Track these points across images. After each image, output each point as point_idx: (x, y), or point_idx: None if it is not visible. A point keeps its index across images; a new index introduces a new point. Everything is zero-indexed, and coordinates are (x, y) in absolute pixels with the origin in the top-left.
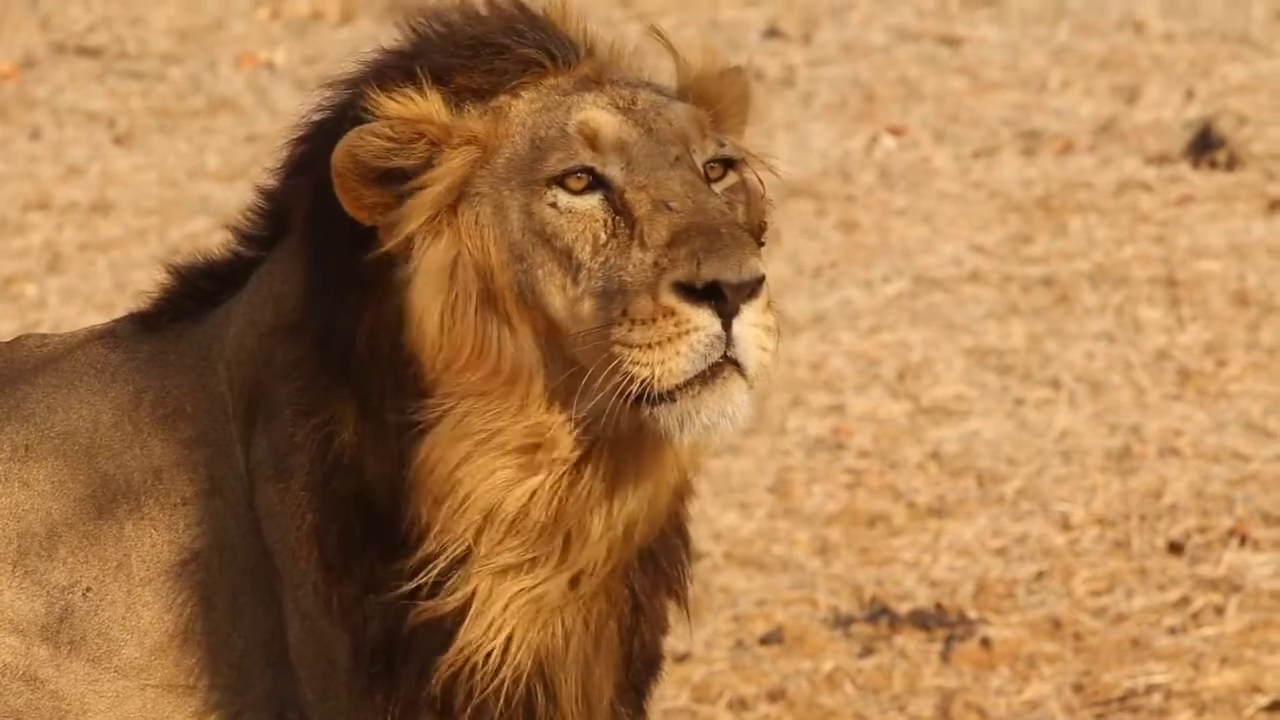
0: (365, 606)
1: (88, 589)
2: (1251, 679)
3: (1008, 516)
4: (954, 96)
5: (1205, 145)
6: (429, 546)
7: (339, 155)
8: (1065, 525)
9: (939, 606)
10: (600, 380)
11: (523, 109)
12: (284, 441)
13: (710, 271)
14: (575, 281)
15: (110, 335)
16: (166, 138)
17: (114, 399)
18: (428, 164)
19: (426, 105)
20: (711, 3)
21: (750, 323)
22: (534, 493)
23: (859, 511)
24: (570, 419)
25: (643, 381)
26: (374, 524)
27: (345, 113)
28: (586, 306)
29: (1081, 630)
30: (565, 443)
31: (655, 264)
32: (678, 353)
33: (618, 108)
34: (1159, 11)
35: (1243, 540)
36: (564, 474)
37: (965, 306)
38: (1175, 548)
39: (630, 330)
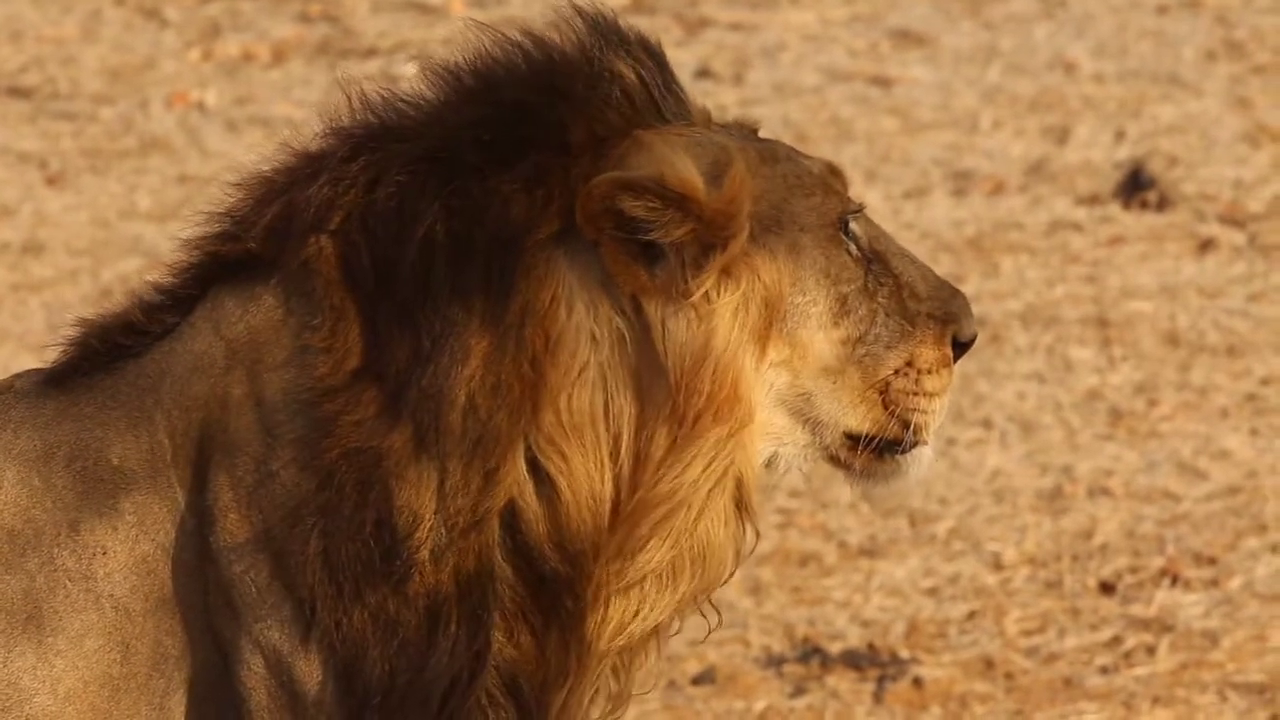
0: (368, 635)
1: None
2: (1183, 718)
3: (939, 556)
4: (885, 137)
5: (1136, 186)
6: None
7: (594, 201)
8: (997, 565)
9: (871, 646)
10: (856, 422)
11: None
12: (251, 474)
13: (972, 328)
14: (836, 324)
15: (9, 391)
16: (98, 178)
17: (19, 454)
18: (693, 240)
19: (693, 176)
20: None
21: None
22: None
23: (791, 551)
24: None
25: (917, 428)
26: (389, 552)
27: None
28: (857, 351)
29: (1013, 670)
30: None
31: (930, 315)
32: (945, 403)
33: None
34: (1089, 52)
35: (1174, 580)
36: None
37: None
38: (1107, 587)
39: (918, 379)
